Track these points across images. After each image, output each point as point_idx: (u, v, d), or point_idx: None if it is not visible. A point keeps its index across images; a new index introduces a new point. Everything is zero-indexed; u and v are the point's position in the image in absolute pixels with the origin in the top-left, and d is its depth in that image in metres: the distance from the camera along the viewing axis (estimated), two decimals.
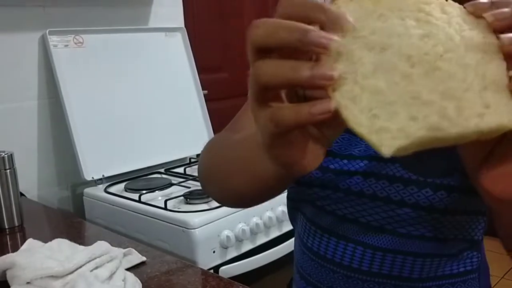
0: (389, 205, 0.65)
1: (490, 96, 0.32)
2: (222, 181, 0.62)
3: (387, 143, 0.32)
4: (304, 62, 0.34)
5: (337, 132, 0.40)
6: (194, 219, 1.32)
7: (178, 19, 2.03)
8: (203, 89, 1.98)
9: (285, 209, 1.49)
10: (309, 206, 0.74)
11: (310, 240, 0.74)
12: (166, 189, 1.57)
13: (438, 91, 0.32)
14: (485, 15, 0.34)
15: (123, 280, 0.89)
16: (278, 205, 1.50)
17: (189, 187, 1.54)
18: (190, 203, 1.42)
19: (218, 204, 1.39)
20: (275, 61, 0.35)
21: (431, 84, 0.32)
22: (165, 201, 1.39)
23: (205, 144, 0.71)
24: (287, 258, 1.50)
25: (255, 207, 1.45)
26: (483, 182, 0.38)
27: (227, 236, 1.35)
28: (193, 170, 1.75)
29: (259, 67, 0.36)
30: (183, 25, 2.01)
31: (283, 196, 1.56)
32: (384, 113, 0.32)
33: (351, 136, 0.70)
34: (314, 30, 0.34)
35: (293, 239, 0.82)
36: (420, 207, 0.64)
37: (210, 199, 1.43)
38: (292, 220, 0.82)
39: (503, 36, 0.33)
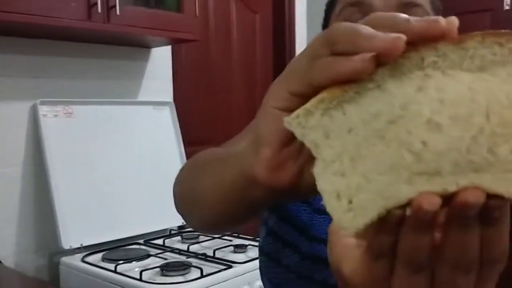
0: None
1: None
2: (198, 201, 0.56)
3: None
4: None
5: None
6: None
7: (167, 93, 2.11)
8: None
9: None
10: None
11: None
12: (143, 260, 1.56)
13: None
14: None
15: None
16: (256, 279, 1.50)
17: (167, 259, 1.54)
18: (166, 275, 1.41)
19: (194, 277, 1.39)
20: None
21: None
22: (141, 272, 1.39)
23: (188, 161, 0.65)
24: None
25: (233, 280, 1.44)
26: None
27: None
28: (172, 242, 1.76)
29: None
30: (171, 100, 2.09)
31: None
32: None
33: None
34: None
35: None
36: None
37: (187, 271, 1.43)
38: None
39: None
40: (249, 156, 0.38)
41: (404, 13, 0.63)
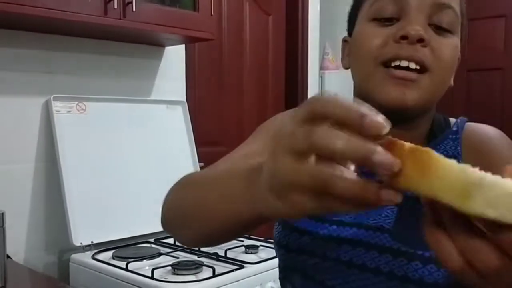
0: (379, 277, 0.65)
1: None
2: (195, 220, 0.60)
3: (473, 170, 0.34)
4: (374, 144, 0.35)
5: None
6: None
7: (180, 92, 2.10)
8: (199, 161, 2.00)
9: (274, 285, 1.47)
10: (298, 277, 0.74)
11: None
12: (154, 258, 1.55)
13: None
14: None
15: None
16: (267, 280, 1.48)
17: (178, 258, 1.53)
18: (177, 274, 1.40)
19: (206, 276, 1.37)
20: (342, 133, 0.35)
21: None
22: (152, 270, 1.37)
23: (178, 181, 0.68)
24: None
25: (244, 280, 1.42)
26: None
27: None
28: None
29: (322, 132, 0.36)
30: (184, 99, 2.08)
31: (274, 271, 1.53)
32: None
33: None
34: (380, 152, 0.35)
35: None
36: (410, 281, 0.63)
37: (199, 270, 1.41)
38: None
39: None
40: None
41: (436, 13, 0.65)
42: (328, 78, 3.05)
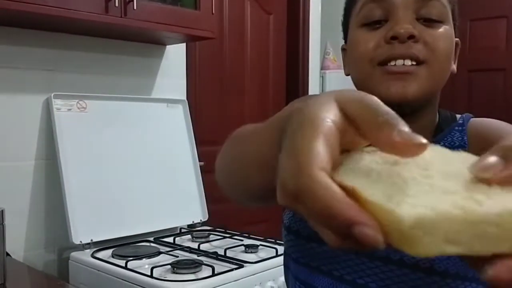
0: (388, 266, 0.65)
1: None
2: (243, 181, 0.56)
3: (406, 209, 0.27)
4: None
5: None
6: None
7: (180, 91, 2.09)
8: (200, 161, 2.00)
9: (273, 284, 1.47)
10: (304, 269, 0.73)
11: None
12: (153, 257, 1.55)
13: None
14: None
15: None
16: (267, 280, 1.47)
17: (177, 257, 1.52)
18: (176, 273, 1.40)
19: (205, 275, 1.37)
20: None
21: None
22: (152, 269, 1.37)
23: (231, 136, 0.64)
24: None
25: (244, 279, 1.42)
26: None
27: None
28: (182, 240, 1.74)
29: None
30: (185, 98, 2.08)
31: (274, 271, 1.52)
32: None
33: None
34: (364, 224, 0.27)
35: None
36: (420, 269, 0.63)
37: (198, 269, 1.41)
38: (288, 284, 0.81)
39: None
40: None
41: (422, 7, 0.65)
42: (329, 78, 3.05)
